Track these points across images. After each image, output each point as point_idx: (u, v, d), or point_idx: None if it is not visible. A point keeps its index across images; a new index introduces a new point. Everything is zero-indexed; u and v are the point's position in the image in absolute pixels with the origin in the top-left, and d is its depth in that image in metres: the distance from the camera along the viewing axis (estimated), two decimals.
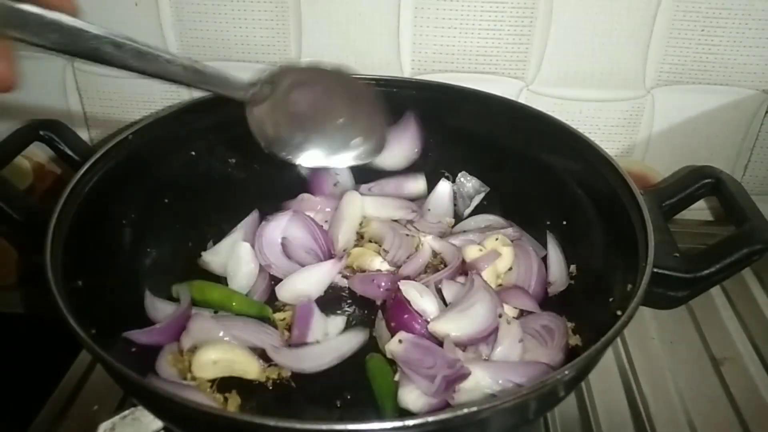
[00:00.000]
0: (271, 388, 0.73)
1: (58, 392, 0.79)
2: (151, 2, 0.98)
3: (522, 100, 1.01)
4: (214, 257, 0.88)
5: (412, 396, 0.69)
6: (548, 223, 0.90)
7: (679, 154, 1.05)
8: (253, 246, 0.87)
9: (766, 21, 0.93)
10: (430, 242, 0.88)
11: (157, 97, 1.06)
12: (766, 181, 1.07)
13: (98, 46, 0.55)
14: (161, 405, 0.61)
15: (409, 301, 0.76)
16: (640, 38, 0.96)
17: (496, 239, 0.85)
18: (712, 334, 0.89)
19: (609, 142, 1.04)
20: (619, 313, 0.63)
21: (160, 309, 0.79)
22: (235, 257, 0.86)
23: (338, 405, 0.72)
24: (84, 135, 1.09)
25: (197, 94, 1.05)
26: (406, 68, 1.01)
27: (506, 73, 1.01)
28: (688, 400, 0.80)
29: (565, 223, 0.88)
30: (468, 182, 0.97)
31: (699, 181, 0.82)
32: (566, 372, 0.57)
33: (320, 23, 0.99)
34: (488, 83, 0.99)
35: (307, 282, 0.83)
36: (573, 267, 0.85)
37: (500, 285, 0.84)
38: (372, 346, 0.78)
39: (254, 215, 0.93)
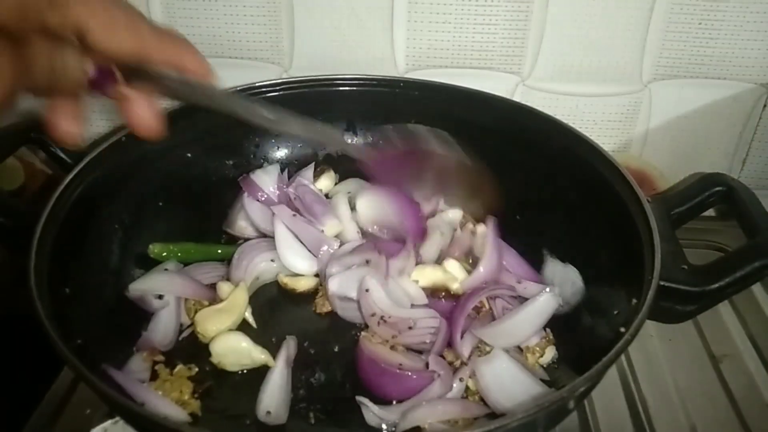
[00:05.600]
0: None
1: (49, 395, 0.77)
2: None
3: (517, 95, 1.01)
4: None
5: None
6: (553, 231, 0.86)
7: (676, 149, 1.05)
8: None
9: (764, 14, 0.92)
10: None
11: None
12: (764, 175, 1.07)
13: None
14: (140, 424, 0.60)
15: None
16: (636, 32, 0.95)
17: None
18: (711, 332, 0.88)
19: (606, 138, 1.04)
20: (622, 330, 0.60)
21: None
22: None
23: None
24: None
25: None
26: (400, 64, 1.00)
27: (501, 69, 1.00)
28: (687, 397, 0.79)
29: (570, 232, 0.84)
30: None
31: (709, 189, 0.79)
32: (563, 395, 0.56)
33: (313, 19, 0.97)
34: (483, 79, 0.99)
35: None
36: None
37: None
38: None
39: None
